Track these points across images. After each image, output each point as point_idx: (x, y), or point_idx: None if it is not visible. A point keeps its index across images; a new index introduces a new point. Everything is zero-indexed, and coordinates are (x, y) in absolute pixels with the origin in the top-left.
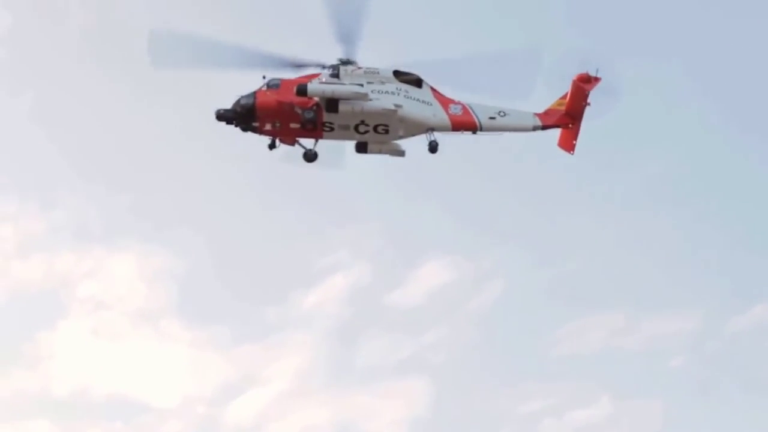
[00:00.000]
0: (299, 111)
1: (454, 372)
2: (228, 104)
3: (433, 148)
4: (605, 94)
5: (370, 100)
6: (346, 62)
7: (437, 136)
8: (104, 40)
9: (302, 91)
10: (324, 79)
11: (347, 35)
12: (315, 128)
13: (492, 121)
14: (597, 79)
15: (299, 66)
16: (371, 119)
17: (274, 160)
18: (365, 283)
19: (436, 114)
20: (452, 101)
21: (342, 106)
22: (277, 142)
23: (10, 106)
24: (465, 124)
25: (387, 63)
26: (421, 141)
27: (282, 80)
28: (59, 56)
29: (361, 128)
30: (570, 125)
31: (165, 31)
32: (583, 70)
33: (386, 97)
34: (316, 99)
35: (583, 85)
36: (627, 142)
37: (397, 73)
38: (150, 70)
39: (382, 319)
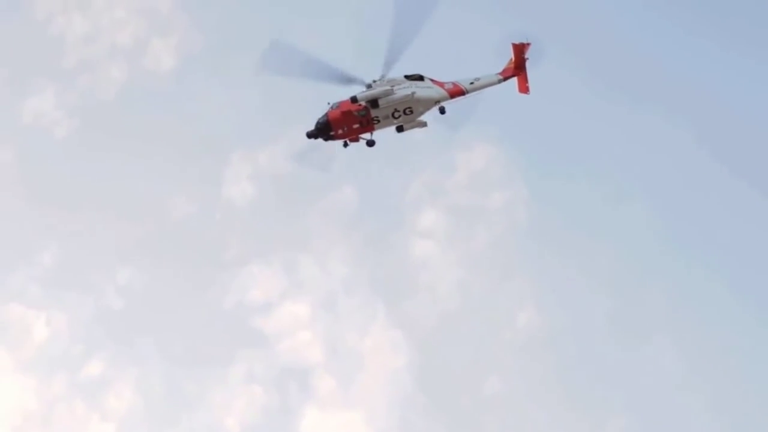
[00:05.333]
0: (356, 113)
1: None
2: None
3: (442, 110)
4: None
5: (395, 93)
6: (375, 80)
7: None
8: None
9: (354, 99)
10: (364, 90)
11: (390, 63)
12: (369, 123)
13: (472, 85)
14: (528, 44)
15: (350, 80)
16: (400, 105)
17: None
18: None
19: (438, 92)
20: (445, 82)
21: (380, 102)
22: (348, 141)
23: None
24: (457, 92)
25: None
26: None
27: (339, 102)
28: None
29: (396, 114)
30: (520, 74)
31: (280, 43)
32: (518, 41)
33: (404, 90)
34: (363, 103)
35: (520, 46)
36: None
37: (407, 76)
38: None
39: None
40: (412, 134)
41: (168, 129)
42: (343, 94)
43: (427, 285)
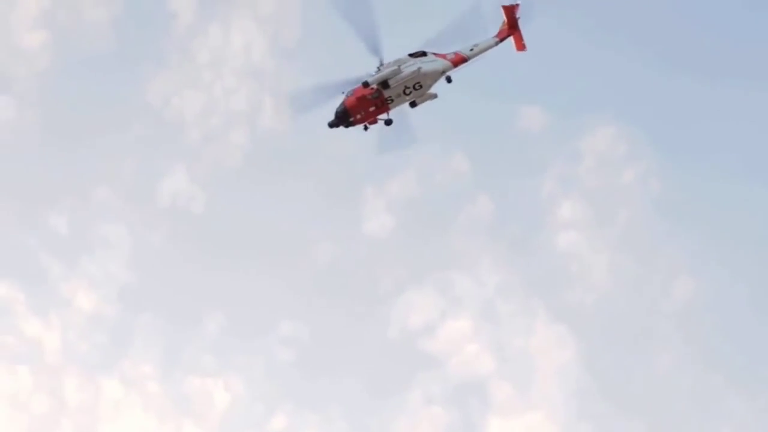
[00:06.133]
0: (370, 96)
1: None
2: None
3: (448, 79)
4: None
5: (402, 71)
6: (381, 64)
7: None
8: None
9: (366, 83)
10: (373, 74)
11: (375, 49)
12: (383, 104)
13: (472, 51)
14: (517, 4)
15: (376, 51)
16: (409, 82)
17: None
18: None
19: (442, 63)
20: (447, 54)
21: (390, 82)
22: (367, 125)
23: None
24: (459, 60)
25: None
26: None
27: (353, 89)
28: None
29: (407, 91)
30: (514, 33)
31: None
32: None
33: (410, 67)
34: (375, 86)
35: (510, 8)
36: None
37: (411, 54)
38: None
39: None
40: (530, 132)
41: (298, 180)
42: (362, 63)
43: (579, 274)
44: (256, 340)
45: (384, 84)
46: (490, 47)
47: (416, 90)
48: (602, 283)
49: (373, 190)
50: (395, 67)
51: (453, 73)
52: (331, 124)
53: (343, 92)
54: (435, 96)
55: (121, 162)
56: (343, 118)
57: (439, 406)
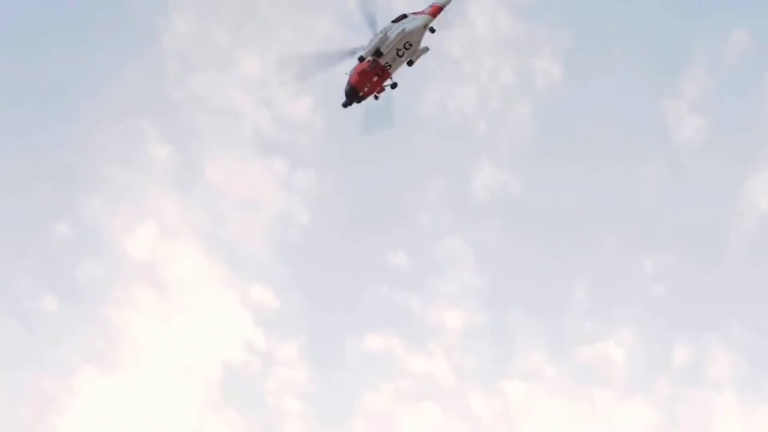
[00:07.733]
0: (369, 68)
1: None
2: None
3: (431, 30)
4: None
5: (389, 37)
6: (371, 39)
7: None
8: None
9: (361, 58)
10: (365, 47)
11: (371, 21)
12: (383, 71)
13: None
14: None
15: (353, 51)
16: (399, 44)
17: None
18: None
19: (422, 18)
20: (424, 9)
21: (382, 50)
22: (377, 95)
23: None
24: (437, 11)
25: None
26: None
27: (353, 68)
28: None
29: (400, 53)
30: None
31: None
32: None
33: (395, 31)
34: (370, 57)
35: None
36: None
37: (393, 21)
38: None
39: None
40: None
41: (601, 123)
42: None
43: None
44: (626, 289)
45: (377, 53)
46: None
47: (408, 49)
48: None
49: (671, 101)
50: (382, 35)
51: (436, 23)
52: (345, 104)
53: (345, 73)
54: (427, 49)
55: (431, 174)
56: (353, 96)
57: None
